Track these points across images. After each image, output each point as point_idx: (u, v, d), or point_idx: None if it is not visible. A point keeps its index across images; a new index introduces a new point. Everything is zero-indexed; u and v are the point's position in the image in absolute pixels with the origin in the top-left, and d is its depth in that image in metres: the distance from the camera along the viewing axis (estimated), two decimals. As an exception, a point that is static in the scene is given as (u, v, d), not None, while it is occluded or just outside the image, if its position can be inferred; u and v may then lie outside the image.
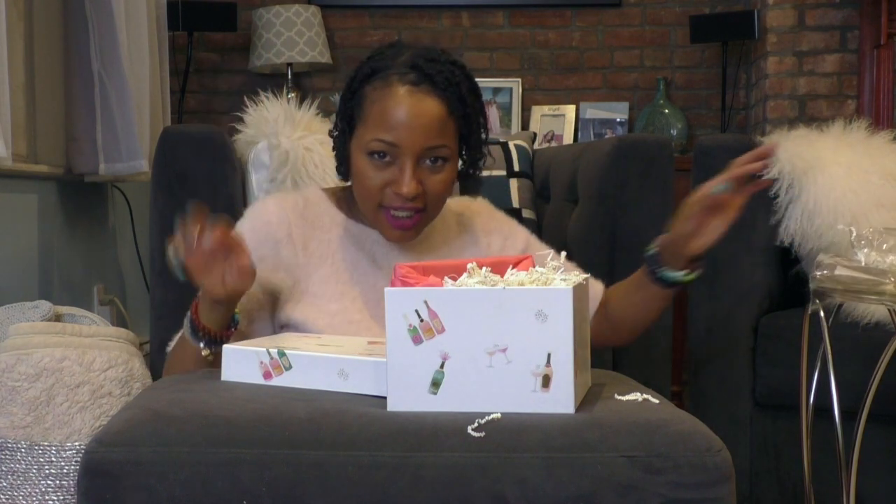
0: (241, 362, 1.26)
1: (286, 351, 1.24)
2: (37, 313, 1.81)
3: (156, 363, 2.01)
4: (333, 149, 1.58)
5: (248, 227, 1.54)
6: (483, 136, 1.54)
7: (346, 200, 1.59)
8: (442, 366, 1.12)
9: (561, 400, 1.11)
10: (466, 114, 1.48)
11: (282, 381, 1.24)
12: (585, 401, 1.18)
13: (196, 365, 1.43)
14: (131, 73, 2.60)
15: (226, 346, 1.27)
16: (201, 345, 1.41)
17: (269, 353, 1.24)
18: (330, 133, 1.59)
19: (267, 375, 1.24)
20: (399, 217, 1.46)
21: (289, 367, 1.23)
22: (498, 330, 1.10)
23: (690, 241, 1.39)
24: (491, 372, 1.11)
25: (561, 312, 1.10)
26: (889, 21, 3.44)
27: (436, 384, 1.12)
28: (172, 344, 1.52)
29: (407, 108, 1.42)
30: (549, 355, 1.10)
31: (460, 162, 1.54)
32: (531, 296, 1.10)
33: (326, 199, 1.59)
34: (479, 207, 1.69)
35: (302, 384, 1.22)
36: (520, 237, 1.67)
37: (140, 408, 1.13)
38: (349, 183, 1.57)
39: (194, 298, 1.42)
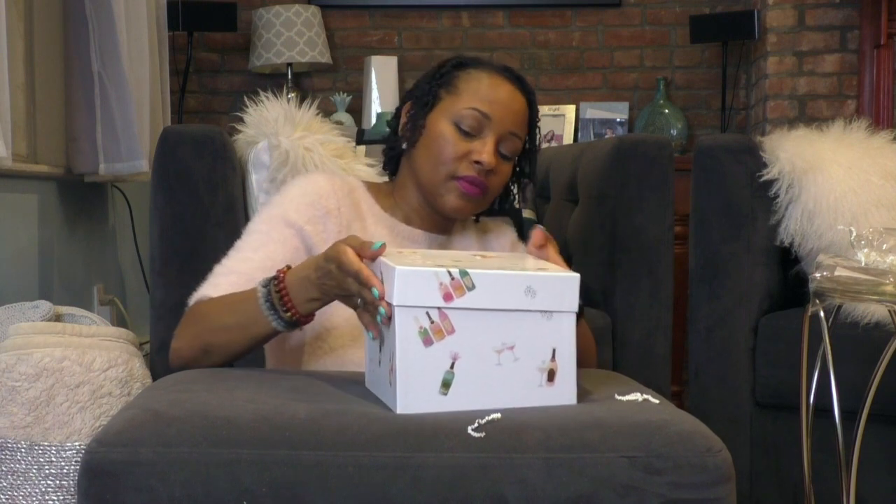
0: (418, 284, 1.12)
1: (469, 270, 1.13)
2: (37, 313, 1.81)
3: (156, 363, 2.01)
4: (393, 127, 1.61)
5: (299, 192, 1.53)
6: (533, 162, 1.61)
7: (384, 195, 1.61)
8: (452, 366, 1.12)
9: (565, 392, 1.17)
10: (533, 126, 1.58)
11: (463, 302, 1.13)
12: (586, 401, 1.19)
13: (248, 335, 1.35)
14: (131, 73, 2.60)
15: (399, 267, 1.13)
16: (278, 322, 1.32)
17: (449, 273, 1.12)
18: (389, 124, 1.63)
19: (448, 297, 1.12)
20: (469, 185, 1.50)
21: (472, 288, 1.13)
22: (506, 328, 1.14)
23: None
24: (499, 370, 1.14)
25: (565, 310, 1.15)
26: (889, 21, 3.44)
27: (446, 385, 1.13)
28: (207, 292, 1.42)
29: (506, 90, 1.53)
30: (553, 350, 1.15)
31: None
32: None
33: (366, 189, 1.60)
34: (496, 225, 1.72)
35: (486, 305, 1.13)
36: (509, 237, 1.71)
37: (140, 408, 1.13)
38: (386, 179, 1.61)
39: (280, 276, 1.33)
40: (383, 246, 1.22)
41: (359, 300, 1.21)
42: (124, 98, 2.56)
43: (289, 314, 1.31)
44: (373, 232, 1.55)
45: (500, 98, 1.51)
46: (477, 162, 1.48)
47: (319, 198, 1.51)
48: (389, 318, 1.15)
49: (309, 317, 1.34)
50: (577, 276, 1.16)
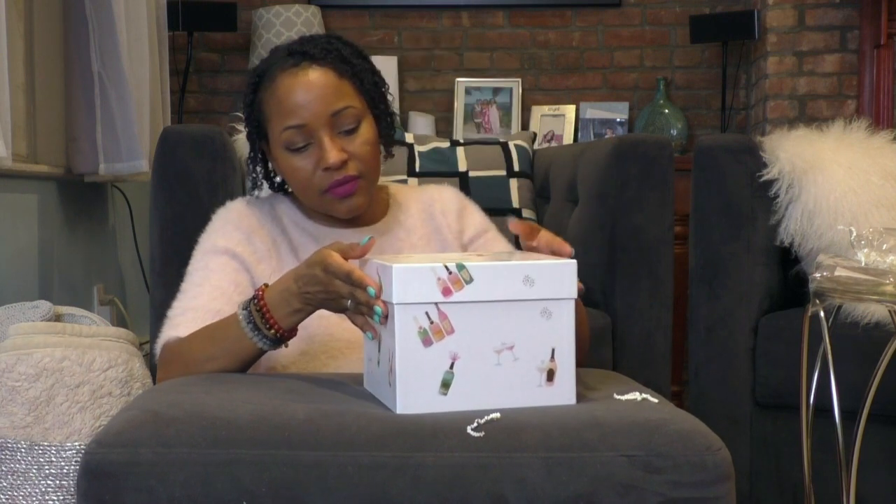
0: (416, 281, 1.12)
1: (465, 263, 1.13)
2: (37, 313, 1.81)
3: (155, 363, 2.01)
4: (253, 174, 1.59)
5: (221, 221, 1.55)
6: (384, 92, 1.57)
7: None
8: (452, 366, 1.13)
9: (564, 392, 1.17)
10: (355, 72, 1.51)
11: (463, 296, 1.13)
12: (585, 400, 1.19)
13: (236, 360, 1.35)
14: (131, 73, 2.60)
15: (396, 266, 1.13)
16: (263, 342, 1.32)
17: (446, 267, 1.13)
18: (247, 161, 1.60)
19: (447, 292, 1.13)
20: (340, 188, 1.47)
21: (470, 281, 1.13)
22: (506, 328, 1.14)
23: None
24: (499, 370, 1.14)
25: (564, 310, 1.16)
26: (889, 21, 3.44)
27: (446, 385, 1.13)
28: (179, 331, 1.42)
29: (297, 88, 1.46)
30: (552, 350, 1.16)
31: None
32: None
33: (290, 202, 1.60)
34: (438, 194, 1.68)
35: (485, 297, 1.14)
36: (475, 223, 1.66)
37: (140, 409, 1.13)
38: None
39: (259, 294, 1.32)
40: (371, 240, 1.22)
41: (349, 302, 1.21)
42: (124, 98, 2.56)
43: (272, 331, 1.31)
44: (300, 243, 1.55)
45: (298, 98, 1.45)
46: (326, 168, 1.46)
47: (241, 219, 1.53)
48: (387, 317, 1.15)
49: (292, 331, 1.34)
50: (573, 262, 1.16)
